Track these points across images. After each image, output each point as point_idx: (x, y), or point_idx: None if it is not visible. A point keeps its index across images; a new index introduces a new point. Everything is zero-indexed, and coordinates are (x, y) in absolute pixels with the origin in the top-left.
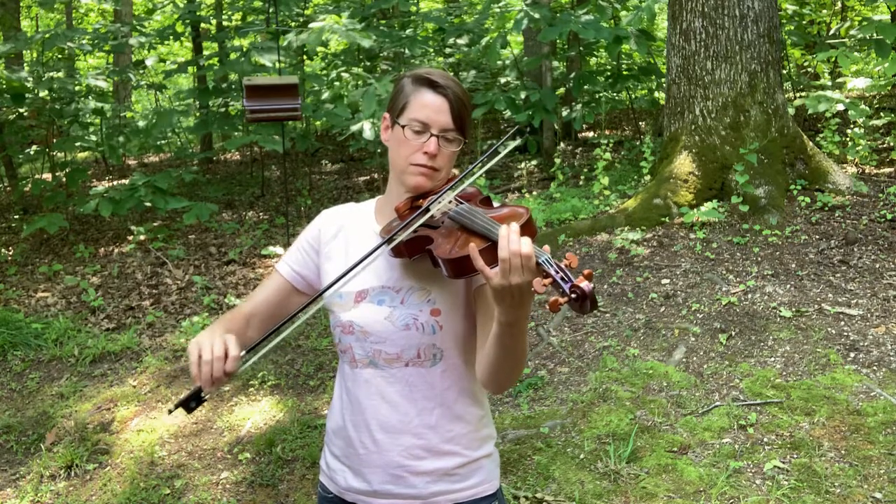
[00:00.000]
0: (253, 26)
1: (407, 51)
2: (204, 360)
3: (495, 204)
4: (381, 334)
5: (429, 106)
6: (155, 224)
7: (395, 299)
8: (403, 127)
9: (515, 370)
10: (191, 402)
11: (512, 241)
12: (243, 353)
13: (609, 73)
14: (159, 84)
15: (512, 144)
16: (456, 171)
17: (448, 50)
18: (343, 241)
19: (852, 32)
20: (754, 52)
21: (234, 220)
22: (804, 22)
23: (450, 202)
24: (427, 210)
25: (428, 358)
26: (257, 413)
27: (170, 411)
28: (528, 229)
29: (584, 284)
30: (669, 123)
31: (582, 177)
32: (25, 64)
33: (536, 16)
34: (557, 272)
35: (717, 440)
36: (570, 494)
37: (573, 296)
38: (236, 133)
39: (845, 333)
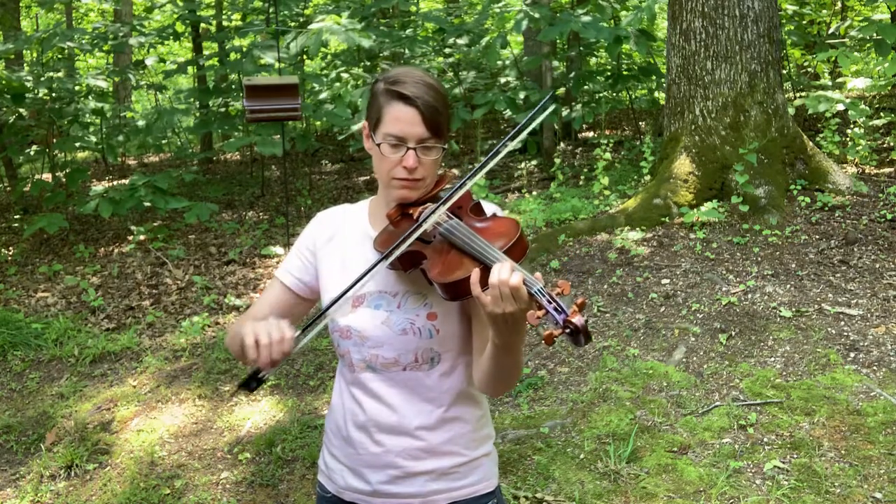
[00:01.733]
0: (253, 26)
1: (407, 51)
2: (262, 343)
3: (487, 210)
4: (378, 339)
5: (401, 119)
6: (155, 224)
7: (392, 304)
8: (379, 145)
9: (511, 380)
10: (251, 383)
11: (503, 272)
12: (297, 333)
13: (609, 73)
14: (159, 84)
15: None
16: (455, 172)
17: (448, 50)
18: (338, 245)
19: (852, 32)
20: (754, 52)
21: (234, 220)
22: (804, 22)
23: (440, 215)
24: (420, 225)
25: (425, 361)
26: (257, 413)
27: (232, 394)
28: (519, 247)
29: (577, 319)
30: (669, 123)
31: (582, 177)
32: (25, 64)
33: (536, 16)
34: (550, 303)
35: (717, 440)
36: (570, 494)
37: (567, 330)
38: (236, 133)
39: (845, 333)
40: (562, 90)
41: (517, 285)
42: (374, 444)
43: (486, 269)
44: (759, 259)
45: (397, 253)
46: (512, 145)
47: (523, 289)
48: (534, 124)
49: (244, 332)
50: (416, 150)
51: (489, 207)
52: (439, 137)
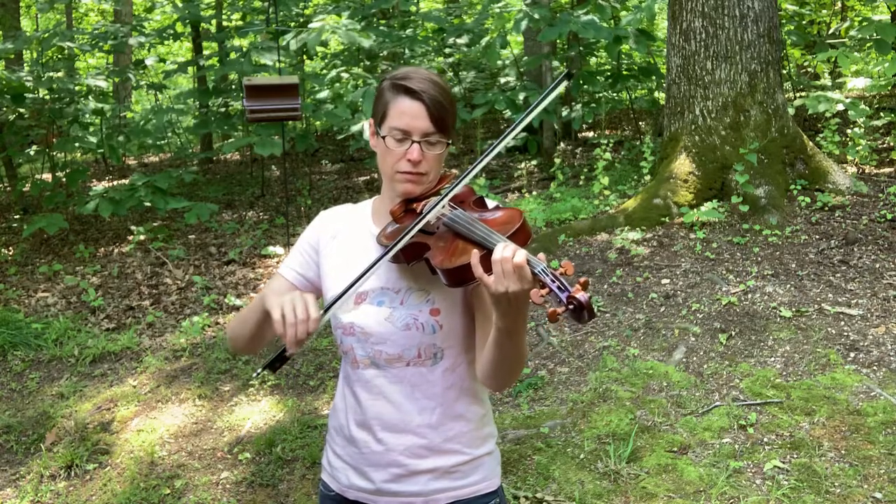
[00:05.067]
0: (253, 26)
1: (407, 51)
2: (288, 322)
3: (489, 204)
4: (381, 335)
5: (406, 113)
6: (155, 224)
7: (395, 300)
8: (384, 137)
9: (515, 370)
10: (276, 363)
11: (507, 250)
12: (321, 313)
13: (609, 73)
14: (159, 84)
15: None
16: (455, 171)
17: (448, 50)
18: (341, 243)
19: (852, 32)
20: (754, 52)
21: (234, 220)
22: (804, 22)
23: (443, 207)
24: (423, 217)
25: (429, 357)
26: (257, 413)
27: (257, 374)
28: (522, 233)
29: (581, 295)
30: (669, 123)
31: (582, 177)
32: (25, 64)
33: (536, 16)
34: (554, 281)
35: (717, 440)
36: (570, 494)
37: (570, 307)
38: (236, 133)
39: (845, 333)
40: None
41: (521, 263)
42: (377, 443)
43: (489, 252)
44: (759, 259)
45: (402, 243)
46: (525, 122)
47: (527, 266)
48: (547, 101)
49: (270, 305)
50: (421, 143)
51: (491, 204)
52: (444, 133)
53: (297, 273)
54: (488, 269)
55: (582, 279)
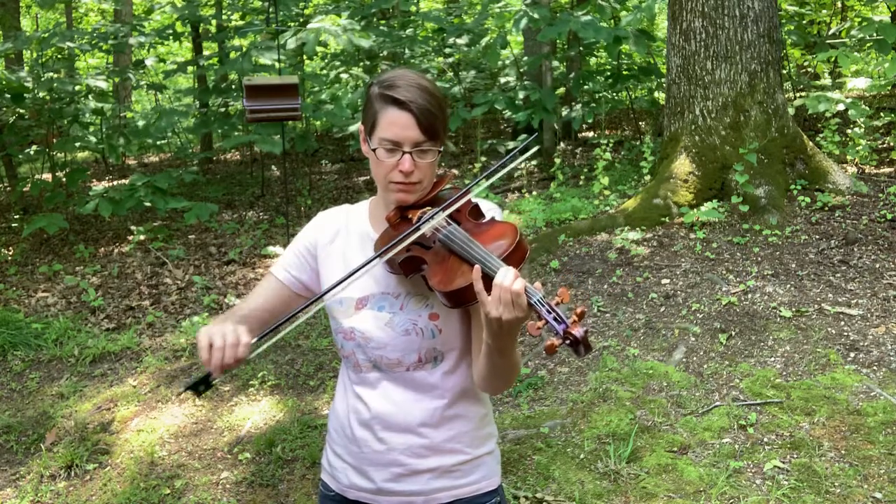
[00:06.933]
0: (253, 26)
1: (407, 51)
2: (216, 346)
3: (485, 208)
4: (381, 340)
5: (396, 123)
6: (155, 224)
7: (395, 305)
8: (375, 150)
9: (509, 379)
10: (200, 386)
11: (507, 278)
12: (254, 340)
13: (609, 73)
14: (159, 84)
15: (521, 157)
16: (455, 171)
17: (448, 50)
18: (340, 245)
19: (852, 32)
20: (754, 52)
21: (234, 220)
22: (804, 22)
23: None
24: (418, 229)
25: (429, 361)
26: (257, 413)
27: (179, 394)
28: (518, 252)
29: (577, 331)
30: (669, 123)
31: (582, 177)
32: (25, 64)
33: (536, 16)
34: (550, 313)
35: (717, 440)
36: (570, 494)
37: (567, 341)
38: (236, 133)
39: (845, 333)
40: (562, 90)
41: (519, 291)
42: (378, 442)
43: (486, 276)
44: (759, 259)
45: (391, 253)
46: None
47: (524, 296)
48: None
49: (199, 334)
50: (412, 153)
51: (487, 206)
52: (435, 140)
53: (290, 274)
54: (486, 288)
55: (578, 309)
